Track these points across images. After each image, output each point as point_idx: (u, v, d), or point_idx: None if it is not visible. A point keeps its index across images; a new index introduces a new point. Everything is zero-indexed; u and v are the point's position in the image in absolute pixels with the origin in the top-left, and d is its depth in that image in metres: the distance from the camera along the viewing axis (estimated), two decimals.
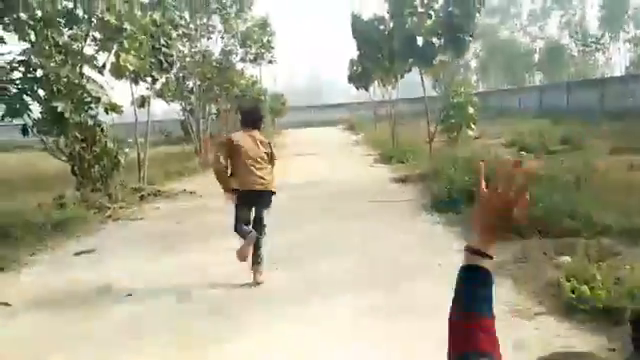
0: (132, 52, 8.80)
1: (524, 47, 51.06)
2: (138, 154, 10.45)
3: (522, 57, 45.95)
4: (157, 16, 10.76)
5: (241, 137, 4.20)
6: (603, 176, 7.82)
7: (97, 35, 8.47)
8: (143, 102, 10.60)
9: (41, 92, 7.20)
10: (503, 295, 3.47)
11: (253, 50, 18.01)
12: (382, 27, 13.54)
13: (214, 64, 17.09)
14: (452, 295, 0.80)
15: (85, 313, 3.77)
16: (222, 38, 17.32)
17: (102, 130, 8.50)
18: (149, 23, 9.80)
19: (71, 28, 7.78)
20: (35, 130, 7.45)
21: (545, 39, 52.91)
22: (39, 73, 7.19)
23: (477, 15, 8.94)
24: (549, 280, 3.57)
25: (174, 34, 13.94)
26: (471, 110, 9.99)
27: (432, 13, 9.24)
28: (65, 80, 7.20)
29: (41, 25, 7.43)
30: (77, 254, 5.47)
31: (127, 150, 9.25)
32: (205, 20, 16.04)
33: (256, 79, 26.21)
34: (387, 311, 3.42)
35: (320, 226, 6.04)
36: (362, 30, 14.41)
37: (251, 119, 4.34)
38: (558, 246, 4.36)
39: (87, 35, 8.10)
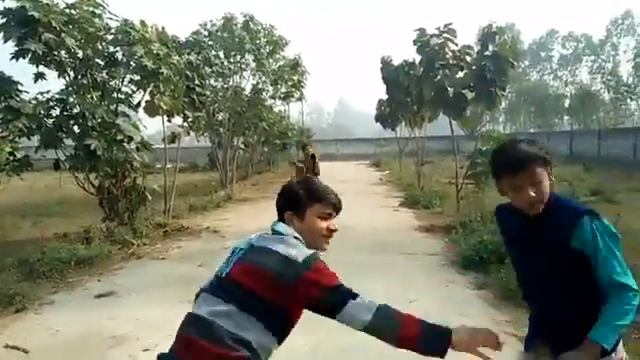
0: (166, 93, 9.11)
1: (554, 91, 50.62)
2: (165, 185, 10.61)
3: (552, 101, 45.49)
4: (192, 57, 11.18)
5: None
6: (636, 237, 7.58)
7: (134, 77, 8.84)
8: (174, 139, 10.87)
9: (75, 128, 7.56)
10: None
11: (283, 89, 18.31)
12: (412, 72, 13.64)
13: (245, 99, 17.41)
14: None
15: None
16: (254, 75, 17.67)
17: (132, 166, 8.73)
18: (185, 65, 10.14)
19: (110, 70, 8.14)
20: (67, 165, 7.78)
21: (575, 84, 52.42)
22: (75, 110, 7.57)
23: (511, 70, 8.90)
24: None
25: (207, 70, 14.48)
26: None
27: (464, 65, 9.25)
28: (100, 119, 7.49)
29: (79, 64, 7.85)
30: (97, 297, 5.51)
31: (156, 187, 9.45)
32: (239, 58, 16.47)
33: (284, 114, 26.84)
34: None
35: (343, 281, 5.91)
36: (391, 74, 14.64)
37: None
38: None
39: (124, 77, 8.48)
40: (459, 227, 8.10)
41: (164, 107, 9.42)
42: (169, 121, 10.46)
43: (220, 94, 16.32)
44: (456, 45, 9.43)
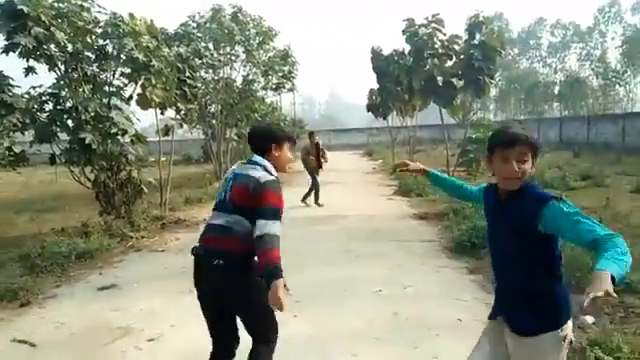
0: (158, 86, 9.08)
1: (543, 78, 50.89)
2: (160, 177, 10.62)
3: (541, 88, 45.79)
4: (183, 50, 11.13)
5: None
6: (626, 219, 7.76)
7: (125, 70, 8.80)
8: (167, 131, 10.85)
9: (69, 122, 7.54)
10: None
11: (274, 80, 18.25)
12: (402, 62, 13.76)
13: (236, 91, 17.38)
14: None
15: (107, 356, 3.84)
16: (244, 67, 17.59)
17: (127, 159, 8.72)
18: (175, 57, 10.11)
19: (101, 63, 8.10)
20: (62, 159, 7.76)
21: (564, 71, 52.74)
22: (68, 104, 7.54)
23: (498, 58, 8.98)
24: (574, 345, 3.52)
25: (198, 62, 14.42)
26: None
27: (452, 55, 9.36)
28: (93, 113, 7.47)
29: (69, 58, 7.80)
30: (100, 289, 5.57)
31: (151, 180, 9.46)
32: (229, 50, 16.40)
33: (276, 105, 26.78)
34: None
35: (339, 269, 6.05)
36: (382, 64, 14.74)
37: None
38: (581, 303, 4.28)
39: (115, 70, 8.43)
40: (452, 214, 8.30)
41: (156, 100, 9.39)
42: (162, 114, 10.43)
43: (211, 86, 16.27)
44: (444, 35, 9.60)
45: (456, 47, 9.35)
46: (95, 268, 6.57)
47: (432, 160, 20.04)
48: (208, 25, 15.42)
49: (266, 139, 2.65)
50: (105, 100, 8.15)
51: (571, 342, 1.95)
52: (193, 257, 2.60)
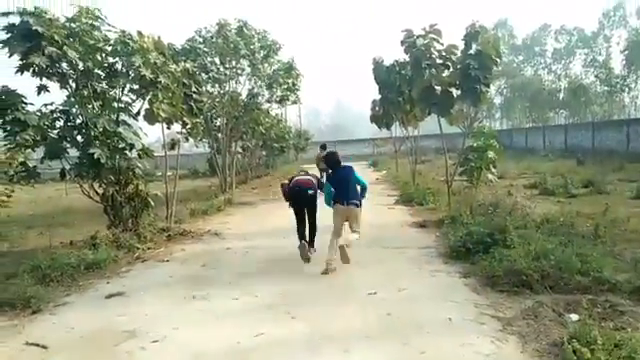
0: (165, 101, 9.40)
1: (548, 85, 50.82)
2: (167, 191, 10.88)
3: (546, 95, 45.77)
4: (189, 65, 11.49)
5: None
6: (623, 224, 7.86)
7: (133, 86, 9.13)
8: (173, 145, 11.17)
9: (79, 138, 7.88)
10: (506, 353, 3.66)
11: (279, 93, 18.59)
12: (403, 72, 13.94)
13: (241, 104, 17.69)
14: None
15: (114, 356, 4.07)
16: (249, 80, 17.92)
17: (134, 173, 9.02)
18: (182, 73, 10.44)
19: (110, 80, 8.45)
20: (72, 174, 8.08)
21: (568, 77, 52.61)
22: (78, 120, 7.90)
23: (494, 67, 9.19)
24: (554, 339, 3.70)
25: (204, 77, 14.73)
26: (491, 154, 9.68)
27: (450, 64, 9.56)
28: (102, 129, 7.79)
29: (80, 76, 8.16)
30: (108, 297, 5.81)
31: (158, 193, 9.76)
32: (234, 63, 16.76)
33: (281, 117, 27.14)
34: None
35: (337, 274, 6.27)
36: (383, 75, 14.98)
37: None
38: (568, 303, 4.46)
39: (124, 86, 8.78)
40: (450, 221, 8.55)
41: (163, 115, 9.69)
42: (168, 128, 10.74)
43: (217, 100, 16.52)
44: (442, 45, 9.69)
45: (454, 57, 9.50)
46: (103, 278, 6.80)
47: (436, 170, 20.21)
48: (214, 40, 15.71)
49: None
50: (114, 116, 8.48)
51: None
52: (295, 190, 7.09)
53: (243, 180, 22.10)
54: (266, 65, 17.90)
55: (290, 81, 18.71)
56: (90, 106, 7.99)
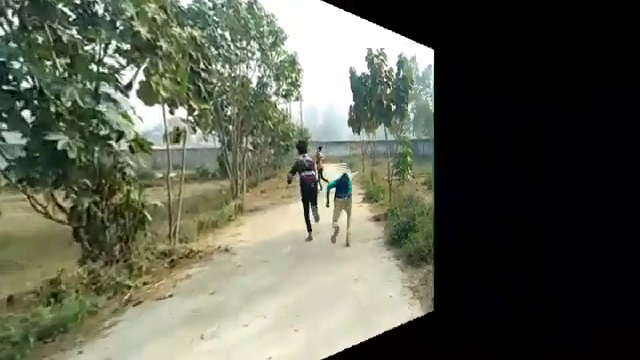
0: (167, 74, 6.45)
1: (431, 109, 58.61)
2: (169, 200, 8.01)
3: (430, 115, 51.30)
4: (197, 33, 8.47)
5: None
6: None
7: (122, 46, 6.13)
8: (178, 137, 8.15)
9: (26, 115, 4.59)
10: (414, 314, 3.10)
11: (284, 86, 18.24)
12: (367, 84, 14.90)
13: (251, 93, 16.03)
14: None
15: None
16: (259, 67, 16.41)
17: (123, 175, 6.04)
18: (188, 41, 7.54)
19: (85, 28, 5.32)
20: (13, 176, 4.72)
21: None
22: (25, 85, 4.64)
23: (410, 90, 12.57)
24: None
25: (214, 53, 12.12)
26: (409, 159, 14.10)
27: (390, 84, 12.62)
28: (70, 103, 4.67)
29: (29, 7, 4.83)
30: None
31: (159, 203, 6.72)
32: (245, 44, 14.37)
33: (287, 114, 25.51)
34: None
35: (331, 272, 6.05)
36: (355, 84, 16.32)
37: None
38: None
39: (109, 43, 5.72)
40: (390, 214, 10.03)
41: (164, 93, 6.78)
42: (171, 112, 7.74)
43: (228, 84, 14.04)
44: (386, 66, 12.78)
45: (393, 79, 12.63)
46: (72, 346, 4.03)
47: (385, 171, 22.14)
48: (224, 9, 13.25)
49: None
50: (91, 85, 5.40)
51: None
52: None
53: (254, 182, 19.76)
54: (274, 53, 16.85)
55: (294, 75, 18.30)
56: (49, 63, 4.81)
